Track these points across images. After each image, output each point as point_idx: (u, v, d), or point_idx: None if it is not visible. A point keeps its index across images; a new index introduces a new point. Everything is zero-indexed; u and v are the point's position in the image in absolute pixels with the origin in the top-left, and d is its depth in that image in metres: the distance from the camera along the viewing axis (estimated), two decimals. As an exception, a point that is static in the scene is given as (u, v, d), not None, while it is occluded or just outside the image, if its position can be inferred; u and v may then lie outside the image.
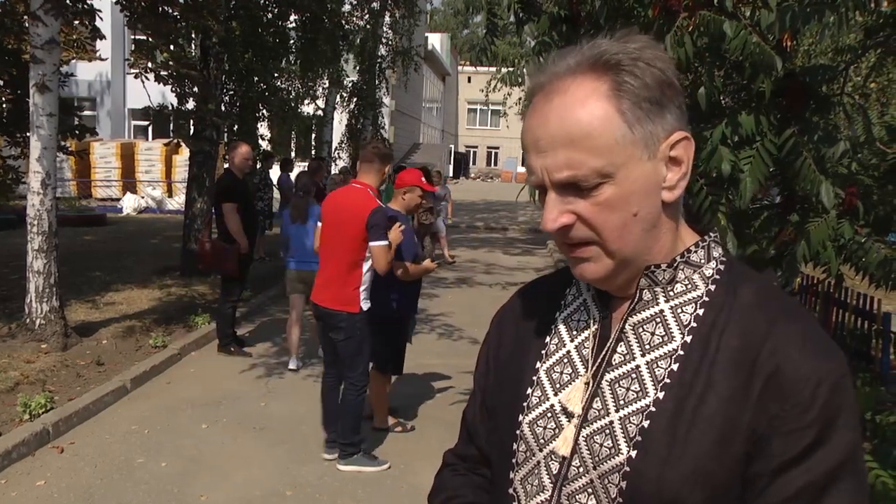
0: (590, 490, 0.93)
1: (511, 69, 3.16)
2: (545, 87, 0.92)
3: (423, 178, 4.79)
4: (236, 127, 10.63)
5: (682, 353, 0.92)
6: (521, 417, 1.02)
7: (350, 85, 17.03)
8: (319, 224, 4.56)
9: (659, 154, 0.91)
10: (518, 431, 1.02)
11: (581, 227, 0.91)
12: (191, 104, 9.42)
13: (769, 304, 0.93)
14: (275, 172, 12.34)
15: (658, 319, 0.96)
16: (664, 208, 0.94)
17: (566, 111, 0.88)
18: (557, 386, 1.01)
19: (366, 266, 4.29)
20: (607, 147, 0.88)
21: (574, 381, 0.99)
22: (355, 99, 17.35)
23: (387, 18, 17.14)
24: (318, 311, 4.40)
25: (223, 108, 10.01)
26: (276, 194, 12.14)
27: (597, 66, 0.90)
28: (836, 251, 2.41)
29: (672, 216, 0.96)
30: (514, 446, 1.02)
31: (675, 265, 0.97)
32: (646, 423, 0.90)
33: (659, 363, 0.93)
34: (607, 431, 0.93)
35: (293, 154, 17.52)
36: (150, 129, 24.79)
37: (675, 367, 0.92)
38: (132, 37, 18.36)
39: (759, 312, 0.92)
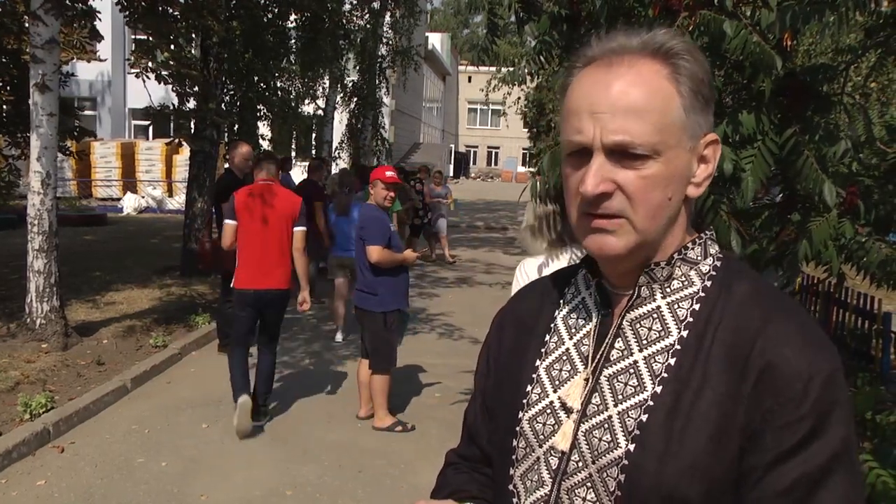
0: (589, 484, 0.94)
1: (511, 69, 3.15)
2: (608, 57, 0.94)
3: (388, 173, 5.08)
4: (237, 127, 10.64)
5: (678, 347, 0.93)
6: (520, 414, 1.03)
7: (350, 84, 17.03)
8: (230, 221, 4.99)
9: (697, 148, 0.95)
10: (518, 428, 1.03)
11: (619, 197, 0.91)
12: (191, 104, 9.43)
13: (762, 300, 0.94)
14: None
15: (655, 315, 0.97)
16: (684, 203, 0.97)
17: (631, 83, 0.91)
18: (557, 383, 1.02)
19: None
20: (664, 125, 0.90)
21: (573, 377, 1.00)
22: (355, 99, 17.34)
23: (387, 18, 17.13)
24: (265, 294, 4.92)
25: (223, 108, 10.01)
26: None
27: (658, 53, 0.93)
28: (837, 250, 2.41)
29: (686, 213, 0.99)
30: (514, 443, 1.03)
31: (672, 262, 0.98)
32: (644, 417, 0.91)
33: (656, 358, 0.94)
34: (606, 426, 0.94)
35: (293, 154, 17.48)
36: (150, 128, 24.78)
37: (671, 361, 0.93)
38: (132, 37, 18.35)
39: (751, 308, 0.93)
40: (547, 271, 3.10)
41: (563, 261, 3.04)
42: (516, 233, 3.60)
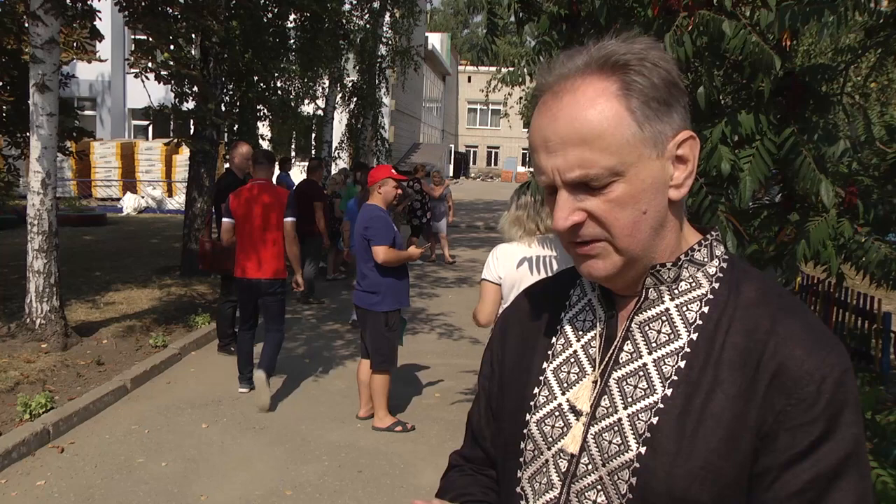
0: (599, 487, 0.94)
1: (511, 69, 3.16)
2: (553, 87, 0.92)
3: (394, 171, 5.15)
4: (236, 127, 10.64)
5: (688, 350, 0.93)
6: (528, 417, 1.03)
7: (350, 84, 17.02)
8: (227, 220, 5.57)
9: (667, 153, 0.92)
10: (525, 430, 1.03)
11: (592, 224, 0.91)
12: (191, 104, 9.43)
13: (771, 302, 0.94)
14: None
15: (664, 318, 0.97)
16: (670, 207, 0.95)
17: (577, 111, 0.89)
18: (565, 385, 1.01)
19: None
20: (618, 146, 0.88)
21: (581, 380, 1.00)
22: (355, 98, 17.33)
23: (387, 18, 17.12)
24: (259, 283, 5.43)
25: (223, 108, 10.01)
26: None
27: (605, 67, 0.90)
28: (836, 250, 2.41)
29: (676, 215, 0.98)
30: (522, 445, 1.03)
31: (679, 264, 0.97)
32: (654, 420, 0.91)
33: (666, 361, 0.94)
34: (616, 429, 0.94)
35: (293, 154, 17.47)
36: (150, 128, 24.79)
37: (682, 364, 0.93)
38: (132, 37, 18.35)
39: (761, 310, 0.93)
40: (518, 256, 3.39)
41: (534, 248, 3.47)
42: (498, 220, 3.76)
